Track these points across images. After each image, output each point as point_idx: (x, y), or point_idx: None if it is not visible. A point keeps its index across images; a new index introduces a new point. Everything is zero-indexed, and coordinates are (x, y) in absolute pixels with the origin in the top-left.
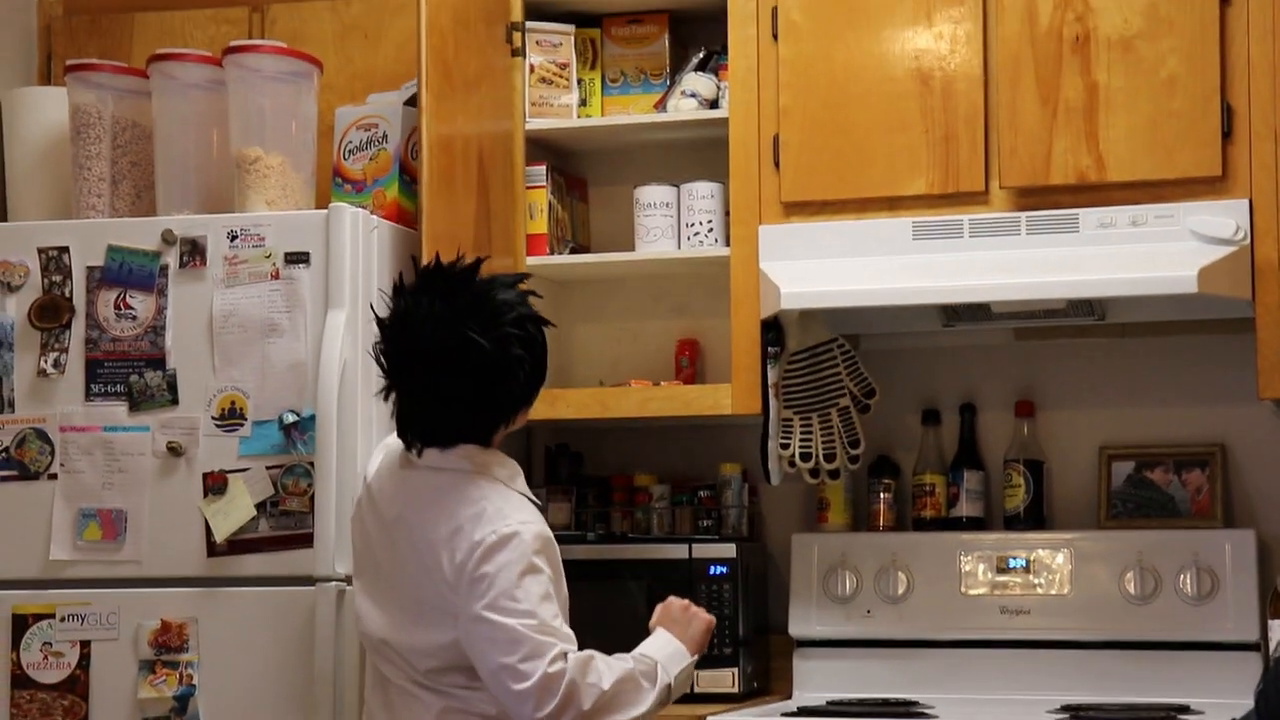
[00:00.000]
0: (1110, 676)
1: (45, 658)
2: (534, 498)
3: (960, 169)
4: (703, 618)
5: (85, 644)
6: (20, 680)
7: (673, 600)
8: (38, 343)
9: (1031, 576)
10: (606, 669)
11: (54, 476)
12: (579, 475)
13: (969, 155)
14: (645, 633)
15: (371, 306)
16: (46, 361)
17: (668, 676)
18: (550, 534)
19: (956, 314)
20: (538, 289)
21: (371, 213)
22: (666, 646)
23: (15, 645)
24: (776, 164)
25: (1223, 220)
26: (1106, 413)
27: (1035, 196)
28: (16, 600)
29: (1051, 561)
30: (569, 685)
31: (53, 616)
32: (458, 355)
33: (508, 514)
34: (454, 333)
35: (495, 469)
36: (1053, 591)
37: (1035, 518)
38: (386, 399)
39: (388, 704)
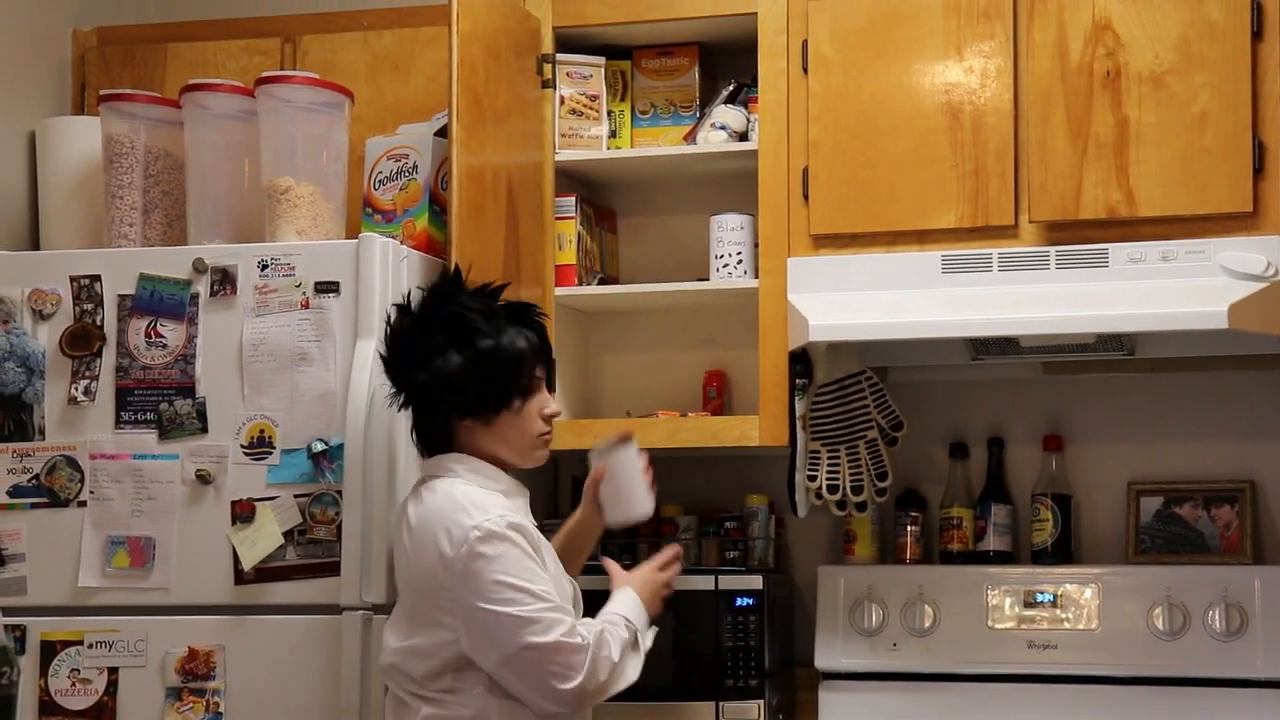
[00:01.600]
0: (1138, 713)
1: (73, 684)
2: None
3: (990, 203)
4: (661, 579)
5: (113, 671)
6: (48, 707)
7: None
8: (69, 370)
9: (1059, 611)
10: (613, 639)
11: (83, 504)
12: None
13: (999, 189)
14: (669, 671)
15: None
16: (77, 389)
17: (645, 642)
18: (525, 523)
19: (985, 347)
20: (566, 319)
21: (401, 243)
22: (637, 608)
23: (44, 672)
24: (806, 196)
25: (1254, 256)
26: (1135, 448)
27: (1065, 231)
28: (45, 627)
29: (1079, 596)
30: (592, 658)
31: (81, 643)
32: (395, 349)
33: (487, 509)
34: (406, 334)
35: (460, 469)
36: (1080, 626)
37: (1063, 552)
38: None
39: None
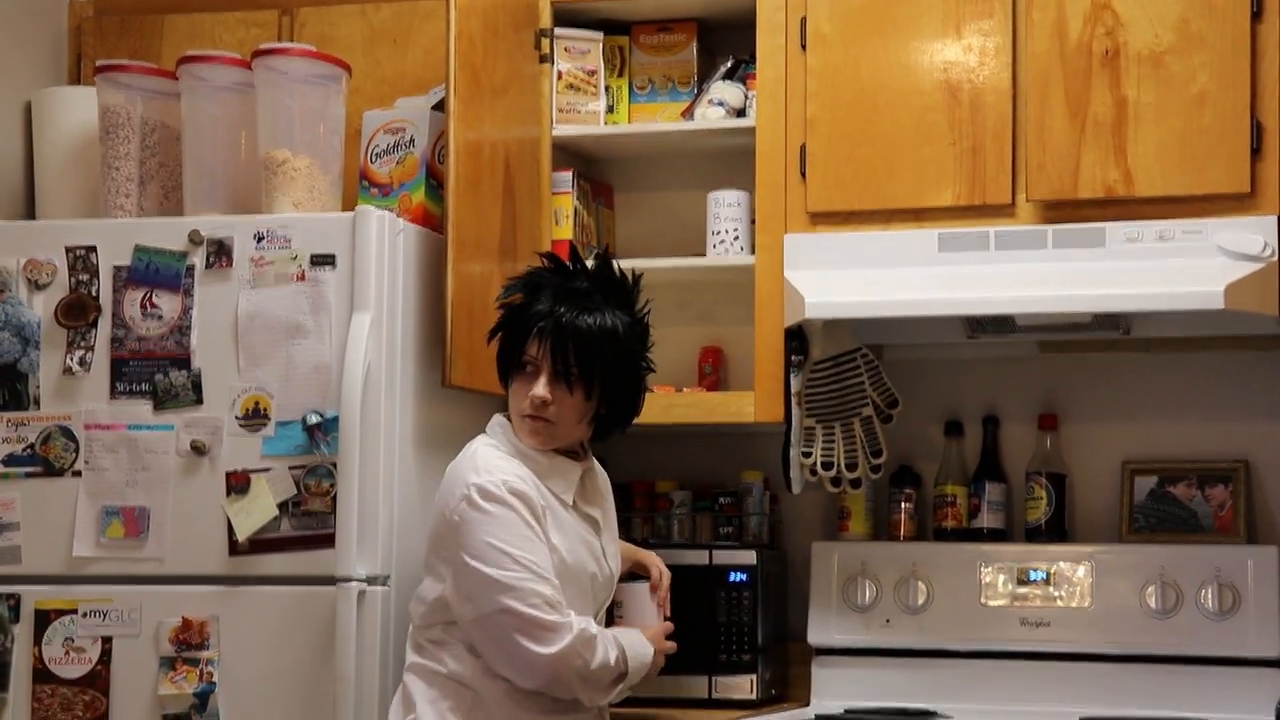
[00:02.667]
0: (1130, 690)
1: (67, 653)
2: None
3: (987, 181)
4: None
5: (107, 640)
6: (42, 675)
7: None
8: (64, 341)
9: (1052, 589)
10: (603, 648)
11: (78, 474)
12: None
13: (996, 168)
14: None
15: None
16: (72, 360)
17: (618, 689)
18: (528, 491)
19: (981, 326)
20: None
21: (398, 216)
22: (640, 661)
23: (38, 640)
24: (803, 173)
25: (1251, 236)
26: (1130, 427)
27: (1062, 210)
28: (39, 596)
29: (1072, 574)
30: (572, 640)
31: (75, 612)
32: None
33: (493, 470)
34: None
35: (496, 429)
36: (1073, 604)
37: (1056, 530)
38: None
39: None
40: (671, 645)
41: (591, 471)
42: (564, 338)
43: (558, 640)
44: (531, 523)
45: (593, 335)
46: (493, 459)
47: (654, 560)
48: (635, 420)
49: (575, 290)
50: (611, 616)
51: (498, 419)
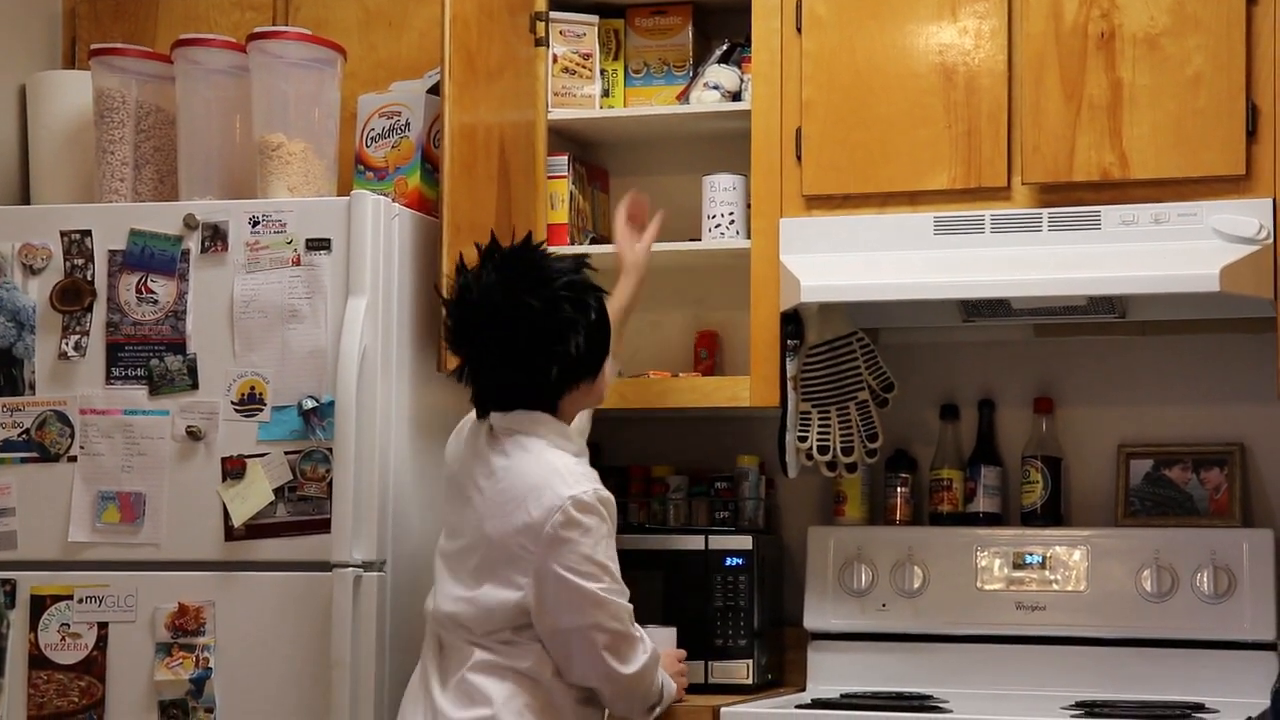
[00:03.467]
0: (1126, 674)
1: (63, 639)
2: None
3: (983, 164)
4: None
5: (103, 626)
6: (38, 661)
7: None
8: (59, 325)
9: (1048, 573)
10: (656, 675)
11: (74, 459)
12: (596, 465)
13: (992, 151)
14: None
15: (436, 288)
16: (67, 344)
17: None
18: (609, 495)
19: (977, 309)
20: None
21: (393, 200)
22: (671, 690)
23: (33, 626)
24: (799, 157)
25: (1246, 219)
26: (1126, 410)
27: (1058, 193)
28: (35, 581)
29: (1068, 558)
30: (649, 659)
31: (71, 598)
32: (510, 317)
33: (580, 479)
34: (508, 296)
35: (547, 430)
36: (1069, 588)
37: (1052, 514)
38: (461, 379)
39: (440, 662)
40: (684, 679)
41: None
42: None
43: (638, 659)
44: (613, 531)
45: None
46: (573, 467)
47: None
48: (629, 405)
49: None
50: None
51: (541, 418)
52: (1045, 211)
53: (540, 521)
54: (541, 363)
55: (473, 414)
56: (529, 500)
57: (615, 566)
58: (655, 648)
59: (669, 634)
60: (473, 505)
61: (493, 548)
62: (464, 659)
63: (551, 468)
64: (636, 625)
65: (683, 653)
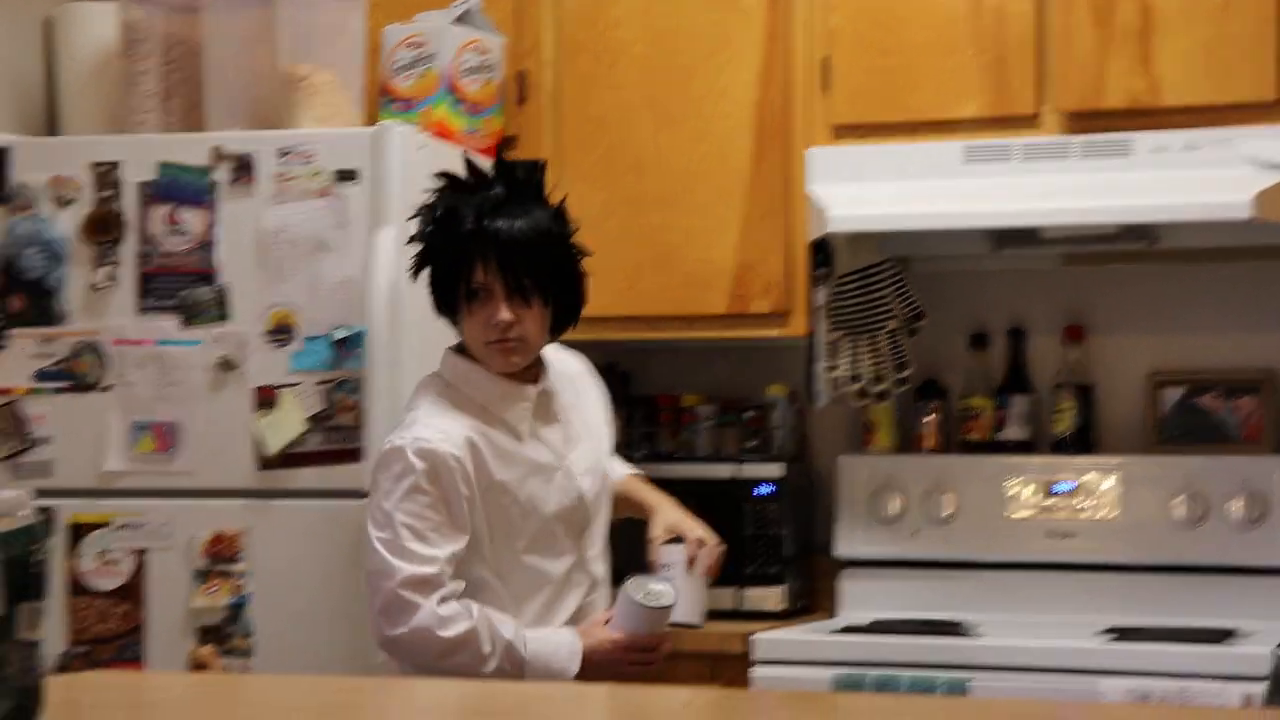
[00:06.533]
0: (1157, 600)
1: (101, 565)
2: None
3: (1012, 92)
4: (622, 659)
5: (140, 553)
6: (77, 587)
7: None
8: (90, 257)
9: (1078, 500)
10: (483, 646)
11: (108, 389)
12: (626, 395)
13: (1021, 78)
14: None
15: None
16: (99, 276)
17: (527, 670)
18: (458, 453)
19: (1006, 238)
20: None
21: (420, 130)
22: (564, 660)
23: (72, 552)
24: (826, 86)
25: (1279, 145)
26: (1157, 339)
27: (1088, 120)
28: (73, 509)
29: (1099, 486)
30: (427, 629)
31: (108, 526)
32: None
33: (412, 426)
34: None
35: (444, 367)
36: (1100, 515)
37: (1083, 442)
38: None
39: None
40: (635, 669)
41: (547, 391)
42: (508, 253)
43: (412, 622)
44: (426, 487)
45: (531, 240)
46: (421, 409)
47: (692, 529)
48: (659, 335)
49: (495, 200)
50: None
51: (447, 359)
52: (1075, 139)
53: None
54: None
55: None
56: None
57: (414, 523)
58: (459, 626)
59: (628, 593)
60: None
61: None
62: None
63: (408, 410)
64: (429, 595)
65: (647, 641)
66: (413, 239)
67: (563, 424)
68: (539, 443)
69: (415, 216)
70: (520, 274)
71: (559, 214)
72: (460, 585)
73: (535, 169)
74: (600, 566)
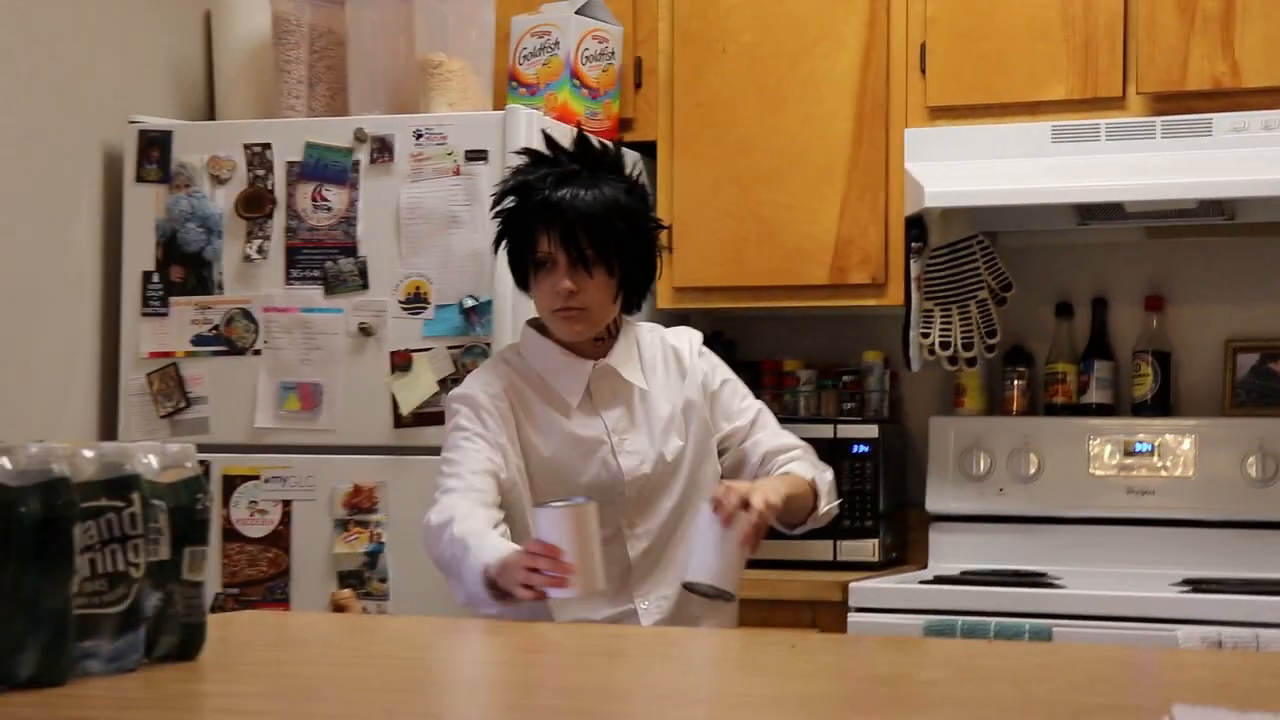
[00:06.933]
0: (1230, 553)
1: (251, 515)
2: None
3: (1099, 75)
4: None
5: (287, 503)
6: (230, 534)
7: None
8: (243, 231)
9: (1157, 460)
10: (451, 546)
11: (258, 352)
12: (732, 361)
13: (1107, 62)
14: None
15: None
16: (251, 248)
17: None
18: (487, 393)
19: (1091, 213)
20: None
21: (544, 114)
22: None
23: (225, 503)
24: (923, 70)
25: None
26: (1233, 308)
27: (1170, 102)
28: (226, 463)
29: (1177, 446)
30: (425, 529)
31: (258, 478)
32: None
33: (464, 382)
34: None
35: (519, 342)
36: (1177, 473)
37: (1162, 406)
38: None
39: None
40: (523, 590)
41: (609, 369)
42: (570, 223)
43: (428, 518)
44: (465, 424)
45: (596, 213)
46: (475, 373)
47: (743, 491)
48: (764, 304)
49: (565, 174)
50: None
51: (523, 330)
52: (1159, 119)
53: None
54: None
55: None
56: None
57: (451, 455)
58: (443, 515)
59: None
60: None
61: None
62: None
63: None
64: (441, 512)
65: (538, 560)
66: (492, 213)
67: (625, 406)
68: (589, 418)
69: (494, 191)
70: (583, 244)
71: (633, 189)
72: (481, 494)
73: (612, 145)
74: (638, 547)
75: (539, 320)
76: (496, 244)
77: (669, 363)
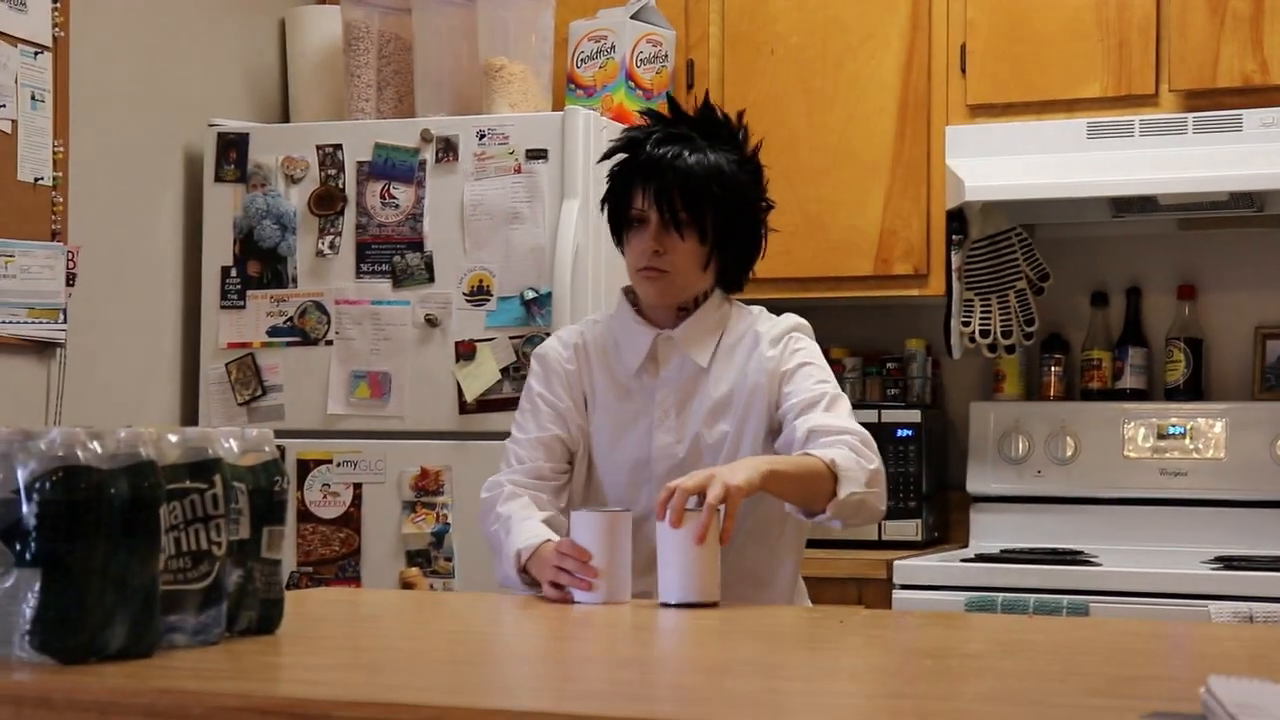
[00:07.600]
0: (1260, 532)
1: (325, 497)
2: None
3: (1133, 73)
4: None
5: (358, 486)
6: (305, 515)
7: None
8: (316, 227)
9: (1189, 442)
10: (502, 529)
11: (330, 343)
12: None
13: (1141, 61)
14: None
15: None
16: (324, 244)
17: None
18: (559, 351)
19: (1126, 206)
20: None
21: (601, 114)
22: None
23: (300, 485)
24: (963, 70)
25: None
26: (1263, 296)
27: (1202, 98)
28: (301, 447)
29: (1208, 429)
30: (485, 512)
31: (330, 462)
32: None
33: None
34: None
35: (617, 299)
36: (1209, 455)
37: (1194, 390)
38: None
39: None
40: (550, 587)
41: (671, 340)
42: (667, 182)
43: (482, 514)
44: (535, 385)
45: (695, 175)
46: (558, 331)
47: (687, 480)
48: (810, 294)
49: (675, 135)
50: None
51: (617, 295)
52: (1190, 116)
53: None
54: None
55: None
56: None
57: (518, 417)
58: (491, 500)
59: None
60: None
61: None
62: None
63: None
64: (490, 487)
65: (568, 560)
66: (602, 165)
67: (681, 382)
68: (642, 389)
69: (609, 149)
70: (676, 205)
71: (745, 162)
72: (534, 466)
73: (736, 117)
74: None
75: (631, 287)
76: (604, 202)
77: (746, 347)
